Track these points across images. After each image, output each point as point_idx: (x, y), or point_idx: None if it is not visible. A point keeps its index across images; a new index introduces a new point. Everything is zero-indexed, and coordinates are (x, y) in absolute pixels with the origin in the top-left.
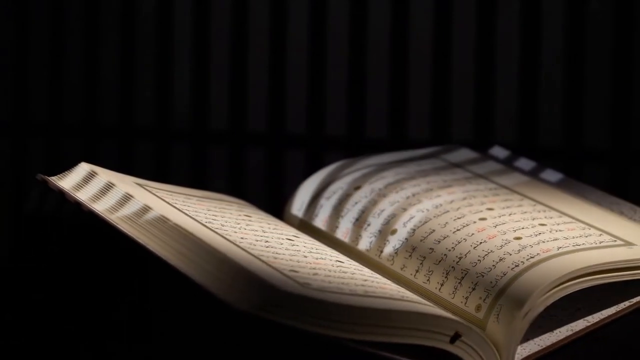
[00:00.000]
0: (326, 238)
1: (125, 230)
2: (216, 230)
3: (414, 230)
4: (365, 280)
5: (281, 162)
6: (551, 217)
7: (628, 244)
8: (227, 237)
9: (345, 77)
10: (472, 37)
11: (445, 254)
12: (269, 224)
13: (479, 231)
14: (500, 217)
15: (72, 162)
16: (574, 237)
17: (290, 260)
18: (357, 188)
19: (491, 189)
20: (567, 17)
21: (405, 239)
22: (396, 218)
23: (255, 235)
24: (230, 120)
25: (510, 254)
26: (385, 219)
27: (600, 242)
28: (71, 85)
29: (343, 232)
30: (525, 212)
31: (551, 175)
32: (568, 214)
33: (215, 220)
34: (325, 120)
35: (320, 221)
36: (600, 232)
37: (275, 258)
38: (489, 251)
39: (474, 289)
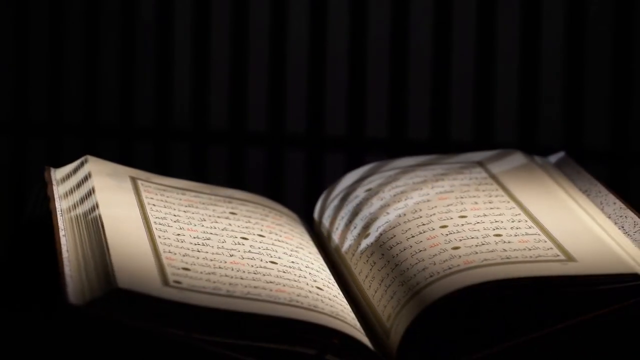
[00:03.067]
0: (328, 240)
1: (55, 217)
2: (154, 224)
3: (381, 234)
4: (270, 283)
5: (281, 162)
6: (518, 228)
7: (569, 260)
8: (156, 231)
9: (345, 77)
10: (472, 37)
11: (389, 261)
12: (248, 222)
13: (428, 239)
14: (463, 225)
15: (72, 162)
16: (515, 250)
17: (202, 258)
18: (368, 190)
19: (490, 196)
20: (567, 18)
21: (371, 242)
22: (375, 221)
23: (203, 232)
24: (230, 120)
25: (435, 264)
26: (366, 221)
27: (538, 256)
28: (71, 85)
29: (338, 234)
30: (496, 222)
31: (593, 185)
32: (544, 225)
33: (176, 215)
34: (325, 120)
35: (326, 223)
36: (552, 246)
37: (185, 255)
38: (420, 260)
39: (392, 298)
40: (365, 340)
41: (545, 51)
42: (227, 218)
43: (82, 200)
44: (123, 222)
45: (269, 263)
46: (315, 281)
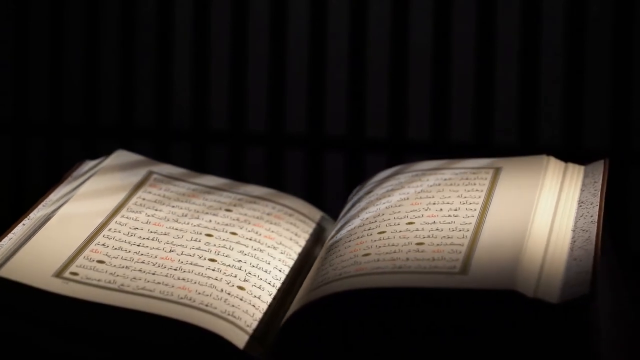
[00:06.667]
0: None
1: (33, 208)
2: (118, 217)
3: (337, 238)
4: (180, 280)
5: (281, 162)
6: (450, 237)
7: (461, 273)
8: (114, 224)
9: (345, 76)
10: (472, 37)
11: (317, 265)
12: (235, 220)
13: (356, 244)
14: (401, 232)
15: (72, 162)
16: (418, 259)
17: (133, 252)
18: (368, 193)
19: (464, 203)
20: (567, 18)
21: (327, 246)
22: (347, 224)
23: (168, 227)
24: (230, 120)
25: (335, 270)
26: (342, 224)
27: (433, 267)
28: (71, 85)
29: (329, 236)
30: (436, 230)
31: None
32: (482, 236)
33: (157, 210)
34: (325, 120)
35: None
36: (460, 258)
37: (118, 248)
38: (330, 265)
39: (294, 300)
40: (239, 341)
41: (545, 51)
42: (214, 215)
43: (68, 193)
44: (75, 216)
45: (207, 260)
46: (245, 281)
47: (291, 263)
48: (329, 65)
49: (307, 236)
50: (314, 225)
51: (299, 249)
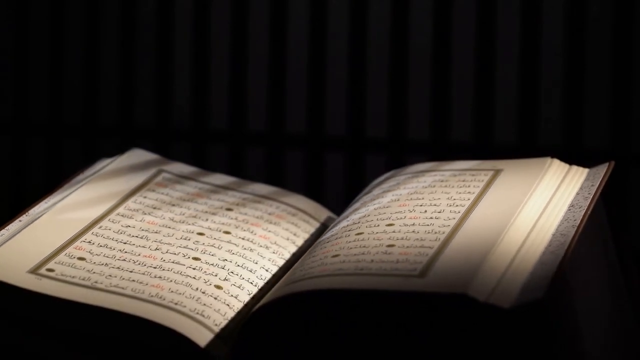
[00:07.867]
0: None
1: (33, 205)
2: (112, 215)
3: (320, 240)
4: (156, 278)
5: (281, 162)
6: (422, 239)
7: (419, 276)
8: (106, 221)
9: (345, 76)
10: (472, 37)
11: (294, 266)
12: (233, 219)
13: (332, 245)
14: (377, 233)
15: (72, 162)
16: (382, 261)
17: (117, 250)
18: (367, 193)
19: (451, 205)
20: (567, 18)
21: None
22: (336, 225)
23: (161, 224)
24: (230, 120)
25: (302, 270)
26: (333, 225)
27: (394, 270)
28: (71, 85)
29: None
30: (412, 232)
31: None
32: (456, 238)
33: (155, 208)
34: (325, 120)
35: None
36: (424, 260)
37: (104, 246)
38: (300, 265)
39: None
40: (202, 339)
41: (545, 51)
42: (213, 214)
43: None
44: (69, 214)
45: (190, 259)
46: (225, 280)
47: (281, 263)
48: (329, 65)
49: (307, 236)
50: (317, 225)
51: (294, 249)
